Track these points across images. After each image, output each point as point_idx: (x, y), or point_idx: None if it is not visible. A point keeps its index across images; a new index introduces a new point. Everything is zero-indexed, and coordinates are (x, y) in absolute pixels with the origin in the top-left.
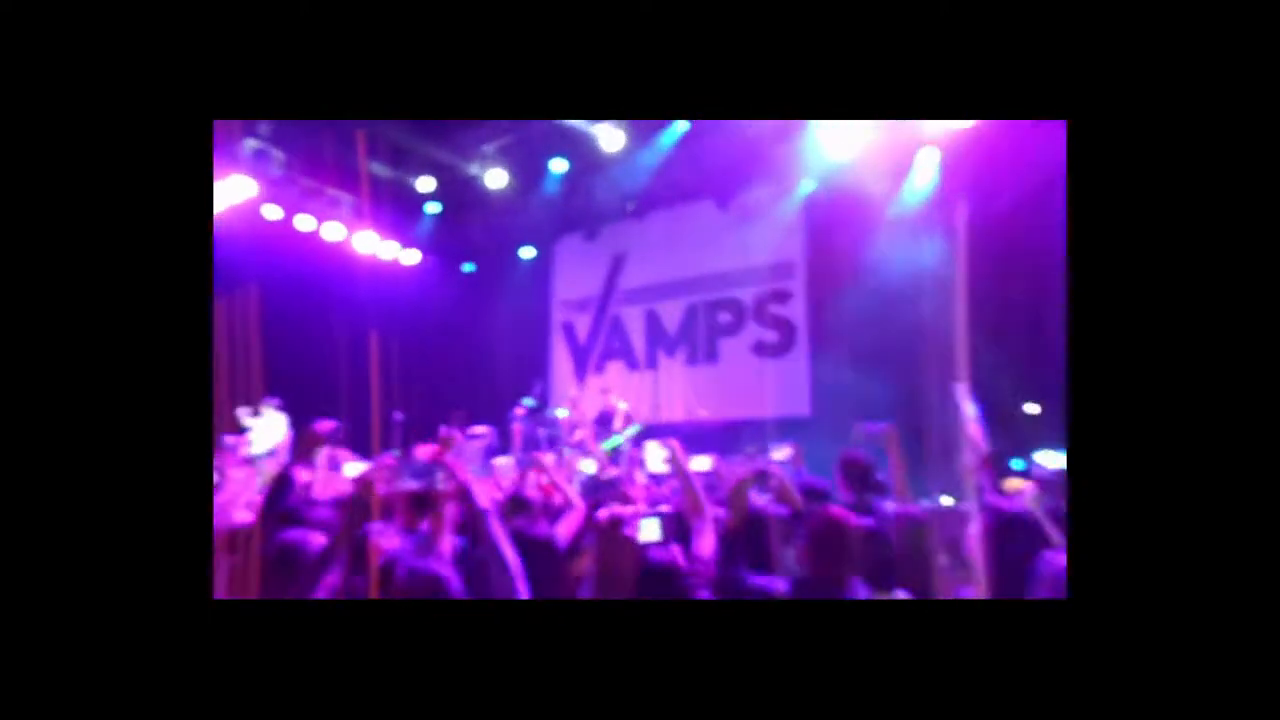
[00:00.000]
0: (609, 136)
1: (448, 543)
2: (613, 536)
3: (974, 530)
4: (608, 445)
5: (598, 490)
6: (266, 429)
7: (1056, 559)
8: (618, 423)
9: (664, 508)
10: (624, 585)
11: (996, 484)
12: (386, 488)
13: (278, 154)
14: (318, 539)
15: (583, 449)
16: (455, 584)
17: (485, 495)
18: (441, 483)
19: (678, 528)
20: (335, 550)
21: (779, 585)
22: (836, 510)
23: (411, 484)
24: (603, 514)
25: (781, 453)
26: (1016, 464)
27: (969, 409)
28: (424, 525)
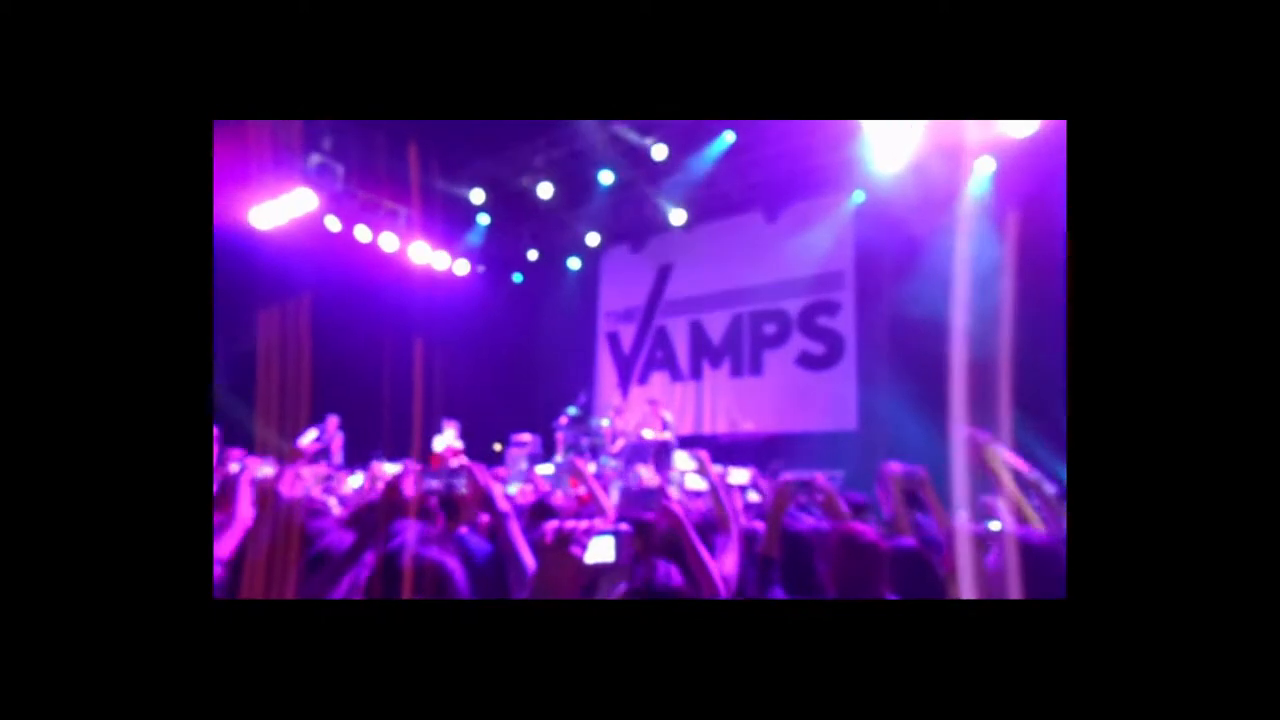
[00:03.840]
0: (657, 148)
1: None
2: (557, 553)
3: (991, 559)
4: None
5: (637, 501)
6: (442, 443)
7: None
8: (651, 432)
9: (623, 526)
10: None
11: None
12: (413, 490)
13: (339, 168)
14: (347, 537)
15: (625, 458)
16: (460, 576)
17: (505, 499)
18: (464, 486)
19: (706, 542)
20: (360, 546)
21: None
22: (856, 526)
23: (435, 485)
24: (550, 527)
25: (741, 475)
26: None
27: (993, 458)
28: (460, 528)
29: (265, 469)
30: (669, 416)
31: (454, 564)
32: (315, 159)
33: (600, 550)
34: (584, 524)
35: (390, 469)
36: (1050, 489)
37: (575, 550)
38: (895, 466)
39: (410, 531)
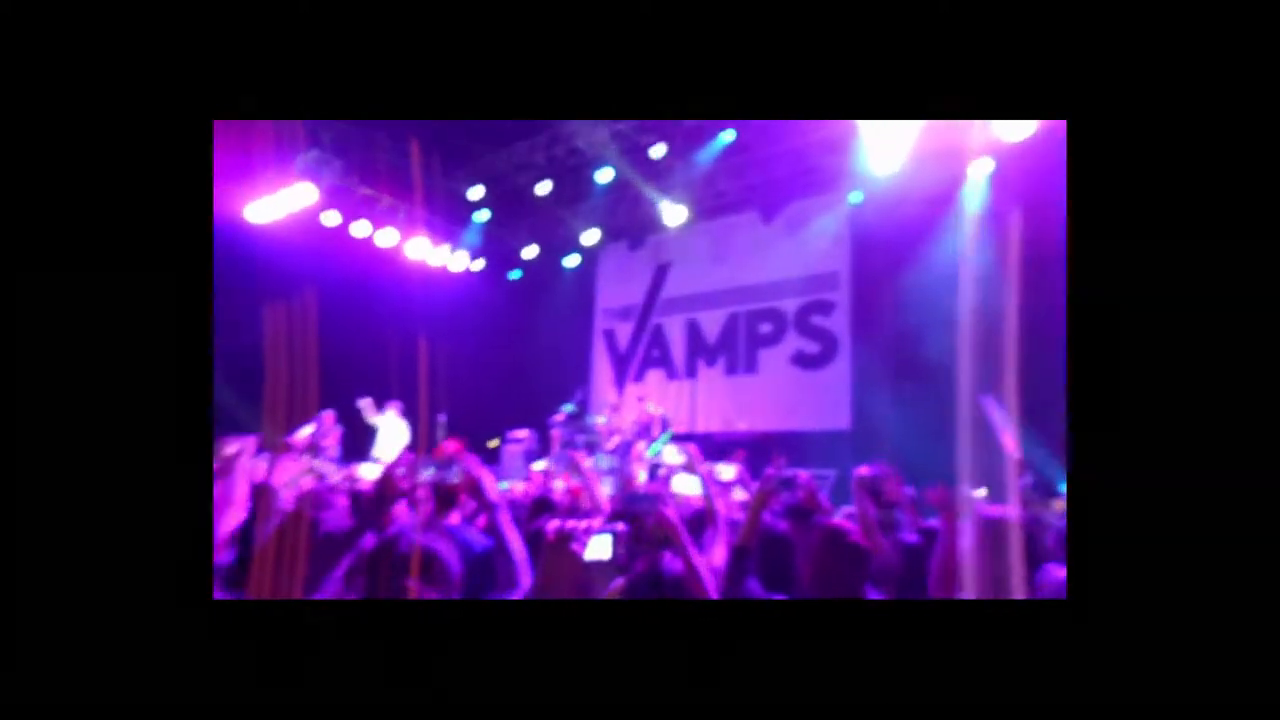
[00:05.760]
0: (655, 147)
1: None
2: (559, 551)
3: (965, 541)
4: (651, 450)
5: (636, 503)
6: (390, 433)
7: (1056, 572)
8: (655, 429)
9: (619, 526)
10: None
11: (1026, 493)
12: (407, 480)
13: (336, 162)
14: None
15: (620, 454)
16: (454, 563)
17: (496, 490)
18: (456, 476)
19: (696, 537)
20: (359, 531)
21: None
22: (838, 522)
23: (429, 475)
24: (552, 526)
25: (728, 471)
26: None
27: (999, 417)
28: (451, 517)
29: (259, 464)
30: (654, 409)
31: (448, 550)
32: (312, 153)
33: (598, 548)
34: (584, 523)
35: (368, 469)
36: (1027, 479)
37: (575, 548)
38: (865, 469)
39: (405, 519)
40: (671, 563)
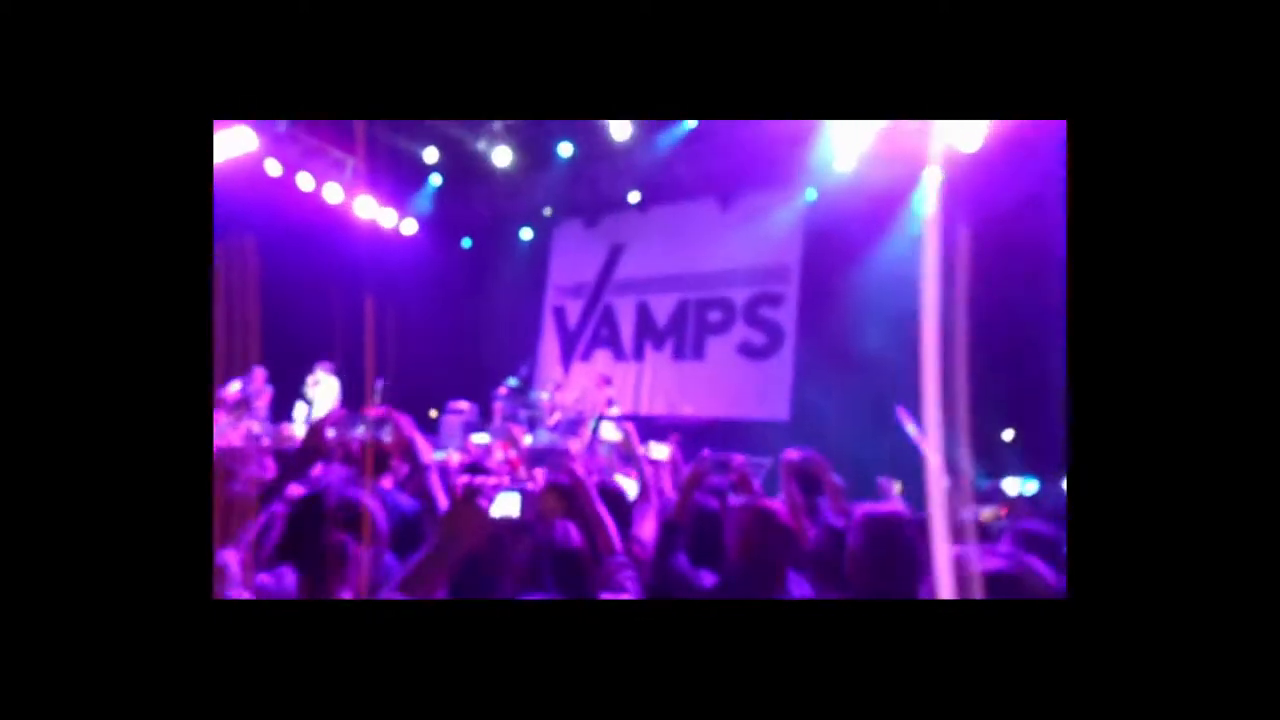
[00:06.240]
0: (618, 126)
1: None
2: (466, 504)
3: (852, 542)
4: (589, 428)
5: (542, 459)
6: (324, 393)
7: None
8: (598, 409)
9: (530, 485)
10: (462, 554)
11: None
12: (336, 436)
13: None
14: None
15: (561, 431)
16: (381, 519)
17: (428, 452)
18: (388, 436)
19: (618, 511)
20: (279, 485)
21: (705, 580)
22: (769, 502)
23: (359, 434)
24: (461, 481)
25: (661, 451)
26: (981, 482)
27: (910, 428)
28: (383, 481)
29: None
30: (610, 392)
31: (375, 506)
32: None
33: (505, 505)
34: (492, 479)
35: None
36: (947, 481)
37: (482, 503)
38: (793, 453)
39: (335, 474)
40: (565, 532)
